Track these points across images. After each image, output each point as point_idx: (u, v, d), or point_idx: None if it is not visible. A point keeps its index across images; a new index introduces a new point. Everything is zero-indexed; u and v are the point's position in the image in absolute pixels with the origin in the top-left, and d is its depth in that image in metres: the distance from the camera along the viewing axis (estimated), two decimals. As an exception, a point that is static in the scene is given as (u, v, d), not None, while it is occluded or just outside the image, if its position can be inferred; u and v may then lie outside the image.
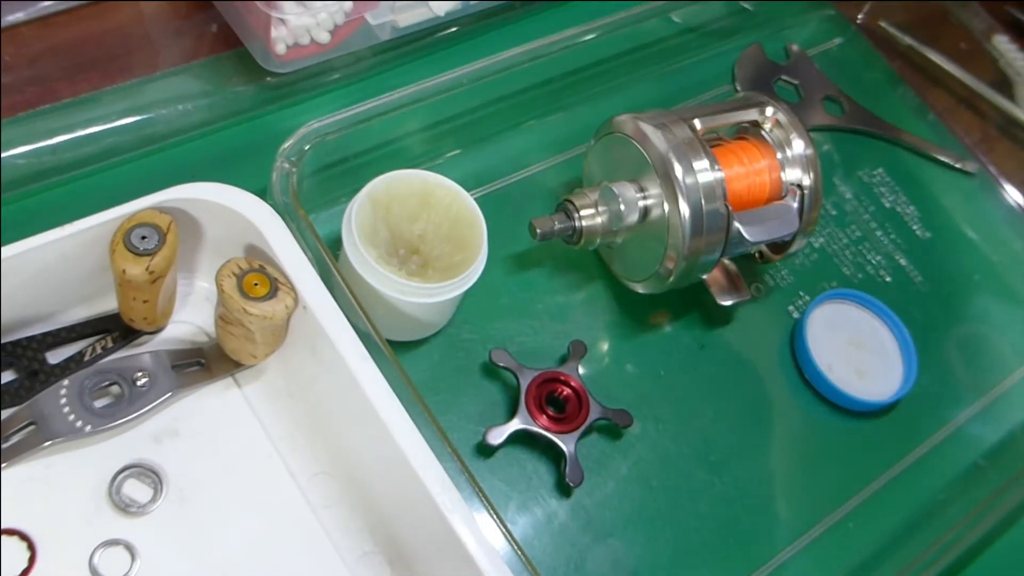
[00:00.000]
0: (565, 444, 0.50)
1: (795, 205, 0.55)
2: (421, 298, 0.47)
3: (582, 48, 0.61)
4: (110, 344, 0.47)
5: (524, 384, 0.51)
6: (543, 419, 0.50)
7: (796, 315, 0.61)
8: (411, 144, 0.59)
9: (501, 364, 0.51)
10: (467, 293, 0.50)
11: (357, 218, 0.48)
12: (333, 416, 0.46)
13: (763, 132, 0.56)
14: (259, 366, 0.48)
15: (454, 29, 0.64)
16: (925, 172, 0.73)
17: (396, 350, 0.45)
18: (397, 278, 0.46)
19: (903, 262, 0.66)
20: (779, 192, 0.55)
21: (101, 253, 0.43)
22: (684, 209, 0.50)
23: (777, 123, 0.56)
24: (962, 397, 0.61)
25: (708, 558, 0.51)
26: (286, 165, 0.49)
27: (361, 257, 0.47)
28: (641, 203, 0.52)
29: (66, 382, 0.44)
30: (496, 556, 0.39)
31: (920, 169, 0.73)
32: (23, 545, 0.42)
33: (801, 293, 0.63)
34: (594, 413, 0.51)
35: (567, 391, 0.52)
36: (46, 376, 0.45)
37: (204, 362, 0.47)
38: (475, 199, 0.50)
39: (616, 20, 0.62)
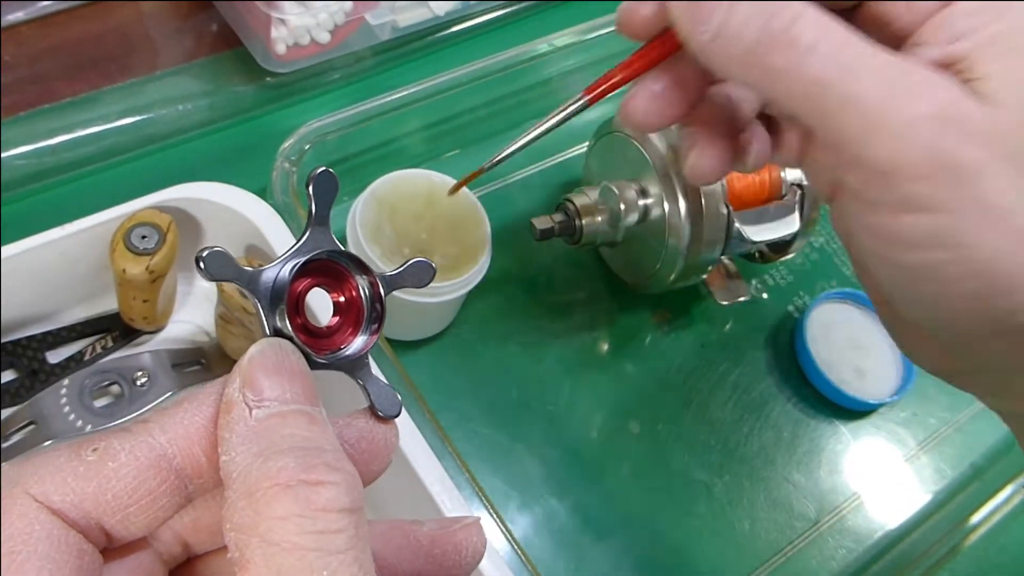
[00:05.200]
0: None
1: (795, 205, 0.55)
2: (425, 298, 0.47)
3: (582, 48, 0.61)
4: (110, 344, 0.47)
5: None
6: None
7: (796, 315, 0.61)
8: (411, 144, 0.59)
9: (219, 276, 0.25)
10: (468, 293, 0.50)
11: (362, 216, 0.48)
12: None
13: (763, 132, 0.56)
14: (259, 366, 0.48)
15: (454, 29, 0.64)
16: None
17: (397, 350, 0.45)
18: (399, 277, 0.46)
19: (903, 262, 0.67)
20: (779, 192, 0.55)
21: (101, 253, 0.43)
22: (684, 209, 0.50)
23: (777, 123, 0.56)
24: (962, 397, 0.61)
25: (708, 558, 0.51)
26: (286, 165, 0.49)
27: (364, 255, 0.47)
28: (641, 203, 0.52)
29: (66, 382, 0.44)
30: (496, 556, 0.39)
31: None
32: (23, 545, 0.42)
33: (801, 293, 0.63)
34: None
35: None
36: (46, 376, 0.45)
37: (204, 362, 0.47)
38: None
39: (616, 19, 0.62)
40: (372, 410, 0.28)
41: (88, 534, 0.22)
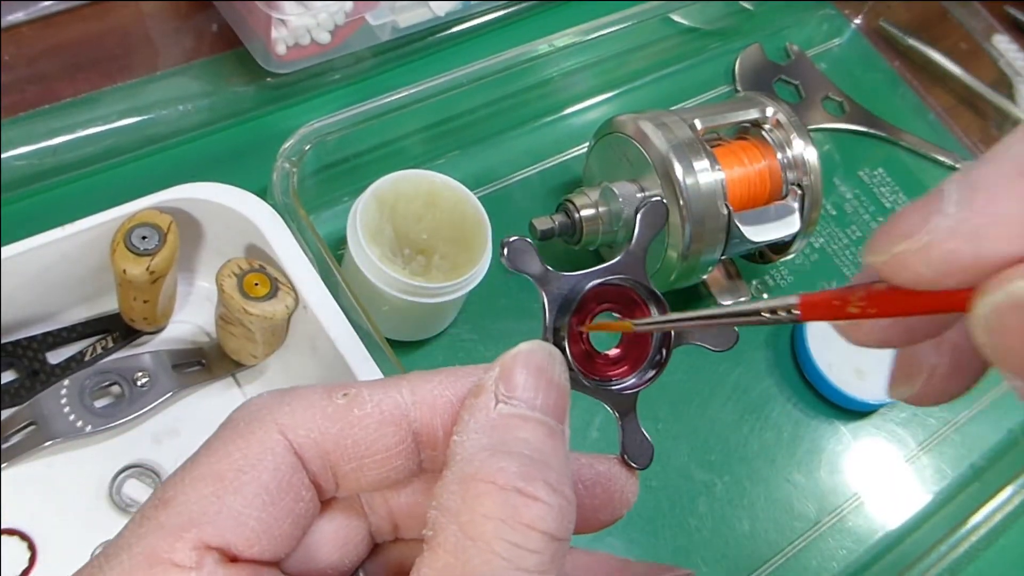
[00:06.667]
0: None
1: (796, 205, 0.55)
2: (425, 298, 0.47)
3: (582, 48, 0.61)
4: (110, 344, 0.47)
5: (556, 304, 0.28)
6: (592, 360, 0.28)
7: (796, 315, 0.61)
8: (411, 144, 0.59)
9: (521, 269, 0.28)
10: (468, 293, 0.50)
11: (362, 216, 0.48)
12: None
13: (763, 132, 0.56)
14: (259, 366, 0.48)
15: (454, 29, 0.64)
16: (925, 172, 0.73)
17: (397, 350, 0.45)
18: (401, 277, 0.46)
19: (903, 262, 0.66)
20: (779, 192, 0.55)
21: (101, 253, 0.43)
22: (684, 209, 0.50)
23: (777, 123, 0.56)
24: (961, 397, 0.61)
25: (708, 558, 0.51)
26: (286, 165, 0.49)
27: (365, 255, 0.47)
28: (641, 203, 0.52)
29: (66, 382, 0.44)
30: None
31: (920, 169, 0.73)
32: (23, 545, 0.42)
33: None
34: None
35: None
36: (46, 376, 0.45)
37: (204, 362, 0.47)
38: (475, 199, 0.51)
39: (616, 20, 0.62)
40: (622, 453, 0.27)
41: (320, 477, 0.22)
